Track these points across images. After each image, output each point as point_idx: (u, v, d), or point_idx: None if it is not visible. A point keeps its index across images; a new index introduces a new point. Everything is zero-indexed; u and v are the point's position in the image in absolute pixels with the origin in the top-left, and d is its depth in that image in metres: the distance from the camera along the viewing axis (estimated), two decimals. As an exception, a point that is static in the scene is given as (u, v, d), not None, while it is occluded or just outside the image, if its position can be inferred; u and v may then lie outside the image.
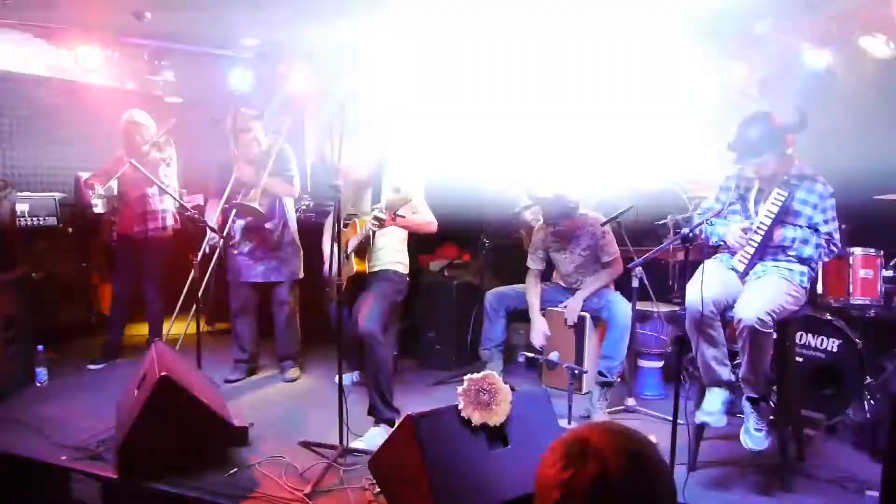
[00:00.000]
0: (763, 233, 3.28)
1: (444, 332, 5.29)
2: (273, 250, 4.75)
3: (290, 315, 4.90)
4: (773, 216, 3.25)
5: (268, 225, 4.70)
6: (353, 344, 4.19)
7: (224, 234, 4.52)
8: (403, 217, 3.68)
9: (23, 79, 5.67)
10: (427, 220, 4.00)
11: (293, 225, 4.87)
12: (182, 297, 4.36)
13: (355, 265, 3.88)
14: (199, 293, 4.21)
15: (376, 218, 3.58)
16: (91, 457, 3.45)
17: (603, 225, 4.39)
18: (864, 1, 4.17)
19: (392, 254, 4.04)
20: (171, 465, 3.25)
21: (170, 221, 5.12)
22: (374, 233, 3.78)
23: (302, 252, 4.90)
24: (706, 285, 3.22)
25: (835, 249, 3.34)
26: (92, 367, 5.03)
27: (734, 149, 3.33)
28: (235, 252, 4.73)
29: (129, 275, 5.09)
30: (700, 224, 3.43)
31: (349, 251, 3.92)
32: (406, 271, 4.10)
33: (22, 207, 5.48)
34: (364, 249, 3.90)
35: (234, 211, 4.58)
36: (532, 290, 4.53)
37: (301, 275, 4.89)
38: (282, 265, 4.79)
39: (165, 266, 5.19)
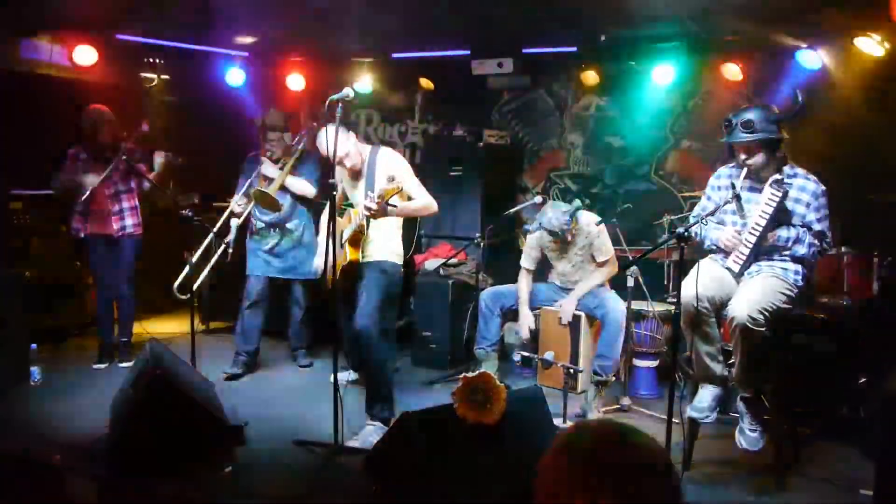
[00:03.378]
0: (758, 233, 3.28)
1: (439, 331, 5.29)
2: (293, 249, 4.95)
3: (304, 313, 5.13)
4: (767, 216, 3.26)
5: (289, 224, 4.92)
6: (350, 342, 4.19)
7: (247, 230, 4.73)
8: (395, 206, 3.69)
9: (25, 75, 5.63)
10: (424, 204, 3.94)
11: (314, 228, 4.99)
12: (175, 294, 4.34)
13: (349, 254, 3.88)
14: (195, 290, 4.21)
15: (367, 208, 3.60)
16: (85, 456, 3.44)
17: (598, 224, 4.39)
18: (859, 1, 4.18)
19: (386, 244, 4.02)
20: (165, 464, 3.23)
21: (140, 218, 5.09)
22: (367, 222, 3.79)
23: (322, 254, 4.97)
24: (701, 282, 3.23)
25: (826, 248, 3.36)
26: (97, 366, 5.03)
27: (728, 125, 3.34)
28: (262, 248, 4.90)
29: (108, 274, 5.06)
30: (694, 224, 3.43)
31: (343, 240, 3.91)
32: (401, 261, 4.09)
33: (16, 205, 5.46)
34: (358, 239, 3.90)
35: (252, 202, 4.81)
36: (522, 285, 4.55)
37: (318, 274, 4.92)
38: (300, 265, 4.94)
39: (143, 264, 5.18)
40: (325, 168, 4.88)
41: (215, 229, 4.81)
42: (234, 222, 4.87)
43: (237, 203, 4.90)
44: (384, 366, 3.95)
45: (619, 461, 1.17)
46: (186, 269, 4.32)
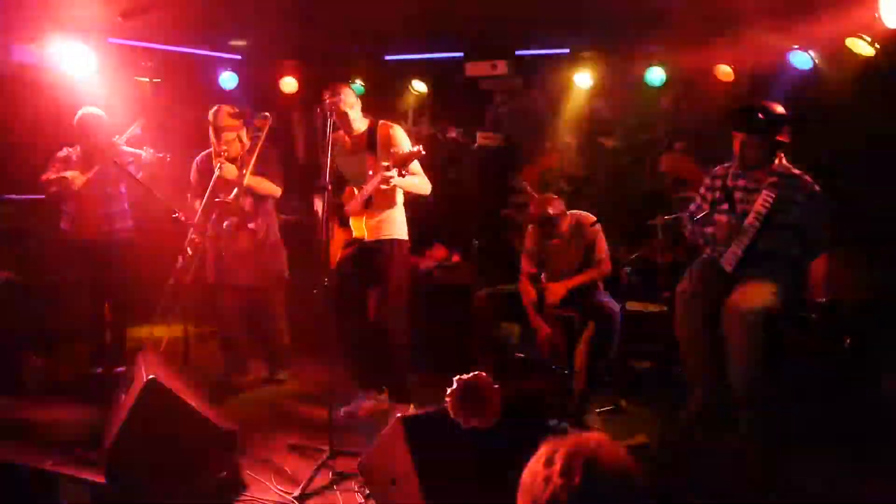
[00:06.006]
0: (752, 234, 3.29)
1: (433, 333, 5.27)
2: (258, 252, 4.68)
3: (277, 316, 4.87)
4: (761, 217, 3.27)
5: (251, 225, 4.64)
6: (355, 347, 4.17)
7: (207, 235, 4.48)
8: (414, 174, 3.65)
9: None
10: (425, 181, 3.90)
11: (276, 224, 4.84)
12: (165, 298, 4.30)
13: (354, 230, 3.80)
14: (183, 294, 4.18)
15: (384, 177, 3.52)
16: (79, 461, 3.41)
17: (593, 224, 4.39)
18: (850, 2, 4.21)
19: (398, 217, 3.97)
20: (159, 468, 3.22)
21: (131, 221, 5.04)
22: (371, 197, 3.74)
23: (286, 252, 4.87)
24: (695, 287, 3.24)
25: (822, 248, 3.37)
26: (89, 371, 4.97)
27: (733, 118, 3.39)
28: (227, 254, 4.69)
29: (101, 278, 5.02)
30: (688, 223, 3.44)
31: (346, 216, 3.84)
32: (407, 238, 4.06)
33: (8, 209, 5.44)
34: (363, 214, 3.81)
35: (217, 211, 4.52)
36: (528, 296, 4.50)
37: (287, 275, 4.87)
38: (267, 266, 4.74)
39: (135, 267, 5.13)
40: (284, 162, 4.81)
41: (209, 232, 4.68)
42: (226, 223, 4.61)
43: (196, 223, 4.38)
44: (408, 356, 4.07)
45: (591, 484, 1.19)
46: (178, 271, 4.22)
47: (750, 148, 3.34)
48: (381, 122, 4.01)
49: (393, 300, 3.91)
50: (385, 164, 3.54)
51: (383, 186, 3.60)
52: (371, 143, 3.91)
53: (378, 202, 3.84)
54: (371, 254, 3.92)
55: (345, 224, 3.91)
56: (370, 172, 3.76)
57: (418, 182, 3.84)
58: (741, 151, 3.37)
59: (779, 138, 3.32)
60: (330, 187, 3.54)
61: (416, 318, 5.33)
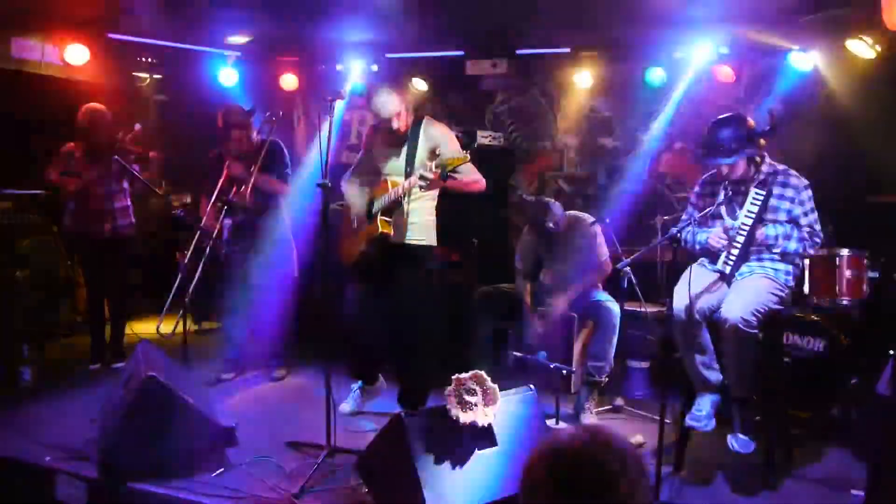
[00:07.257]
0: (745, 234, 3.30)
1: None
2: (266, 249, 4.69)
3: (280, 315, 4.87)
4: (753, 216, 3.28)
5: (259, 222, 4.65)
6: (361, 344, 4.13)
7: (215, 232, 4.48)
8: (455, 179, 3.58)
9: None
10: (476, 178, 3.80)
11: (287, 222, 4.84)
12: (171, 296, 4.29)
13: (381, 226, 3.71)
14: (189, 291, 4.17)
15: (423, 178, 3.46)
16: (76, 457, 3.41)
17: (592, 225, 4.39)
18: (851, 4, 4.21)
19: (429, 223, 3.89)
20: (156, 465, 3.22)
21: (133, 218, 5.05)
22: (405, 195, 3.69)
23: (296, 250, 4.87)
24: (692, 291, 3.23)
25: (817, 240, 3.37)
26: (89, 367, 4.98)
27: (705, 147, 3.35)
28: (226, 251, 4.68)
29: (98, 275, 5.02)
30: (684, 226, 3.43)
31: (376, 210, 3.77)
32: (436, 244, 3.98)
33: (6, 205, 5.43)
34: (392, 210, 3.74)
35: (225, 208, 4.52)
36: (524, 290, 4.50)
37: (296, 274, 4.86)
38: (275, 264, 4.74)
39: (136, 263, 5.14)
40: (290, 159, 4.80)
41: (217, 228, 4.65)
42: (227, 222, 4.64)
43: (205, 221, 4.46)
44: (432, 367, 4.02)
45: (598, 484, 1.19)
46: (180, 268, 4.22)
47: (727, 169, 3.33)
48: (426, 117, 3.94)
49: (417, 307, 3.82)
50: (429, 164, 3.49)
51: (420, 189, 3.58)
52: (414, 137, 3.81)
53: (410, 201, 3.77)
54: (394, 254, 3.83)
55: (372, 218, 3.83)
56: (407, 168, 3.72)
57: (468, 180, 3.75)
58: (726, 174, 3.37)
59: (754, 153, 3.31)
60: (329, 184, 3.53)
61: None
